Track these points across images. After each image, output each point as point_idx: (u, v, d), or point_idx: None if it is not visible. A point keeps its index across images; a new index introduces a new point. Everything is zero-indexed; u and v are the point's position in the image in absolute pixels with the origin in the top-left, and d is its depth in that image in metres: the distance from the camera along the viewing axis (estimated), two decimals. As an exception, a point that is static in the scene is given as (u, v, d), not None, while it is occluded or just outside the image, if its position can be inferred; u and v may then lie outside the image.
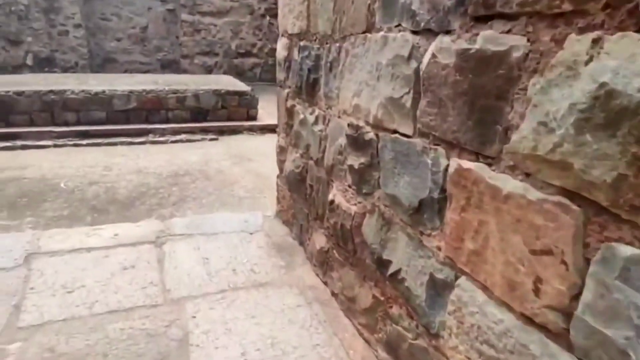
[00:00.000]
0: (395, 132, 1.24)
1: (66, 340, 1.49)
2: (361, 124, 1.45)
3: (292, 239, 2.23)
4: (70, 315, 1.61)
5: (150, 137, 4.59)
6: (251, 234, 2.27)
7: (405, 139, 1.19)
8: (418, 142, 1.13)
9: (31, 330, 1.53)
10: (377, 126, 1.34)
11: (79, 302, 1.68)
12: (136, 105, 4.71)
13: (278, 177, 2.49)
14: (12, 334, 1.51)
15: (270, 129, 5.11)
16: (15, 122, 4.42)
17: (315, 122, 1.83)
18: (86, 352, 1.44)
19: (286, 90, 2.20)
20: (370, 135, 1.39)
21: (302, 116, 1.99)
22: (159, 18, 10.07)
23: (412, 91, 1.14)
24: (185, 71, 9.64)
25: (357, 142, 1.48)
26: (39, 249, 2.02)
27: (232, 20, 9.72)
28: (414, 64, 1.12)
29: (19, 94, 4.38)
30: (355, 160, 1.49)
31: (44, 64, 8.73)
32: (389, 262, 1.35)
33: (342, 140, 1.59)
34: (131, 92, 4.68)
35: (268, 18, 9.96)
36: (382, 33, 1.28)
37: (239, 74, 9.89)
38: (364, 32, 1.40)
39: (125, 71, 10.05)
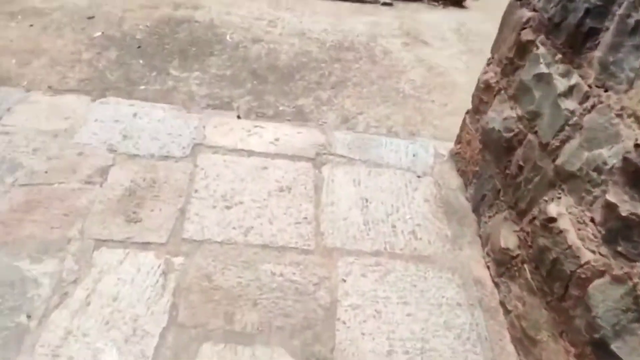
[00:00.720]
0: None
1: (222, 270, 1.48)
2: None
3: (465, 200, 1.86)
4: (227, 239, 1.58)
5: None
6: (419, 177, 1.93)
7: None
8: None
9: (193, 245, 1.55)
10: None
11: (236, 224, 1.63)
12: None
13: (468, 114, 1.98)
14: (177, 244, 1.54)
15: (455, 1, 4.18)
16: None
17: (568, 93, 1.25)
18: (238, 294, 1.42)
19: (526, 13, 1.52)
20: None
21: (542, 68, 1.38)
22: None
23: None
24: None
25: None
26: (204, 140, 1.96)
27: None
28: None
29: None
30: (626, 203, 0.99)
31: None
32: (616, 357, 0.98)
33: (610, 156, 1.05)
34: None
35: None
36: None
37: None
38: None
39: None
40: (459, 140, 2.04)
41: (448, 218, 1.78)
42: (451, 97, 2.69)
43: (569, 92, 1.24)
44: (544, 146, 1.34)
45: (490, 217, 1.65)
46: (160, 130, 1.98)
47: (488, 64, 1.81)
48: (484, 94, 1.80)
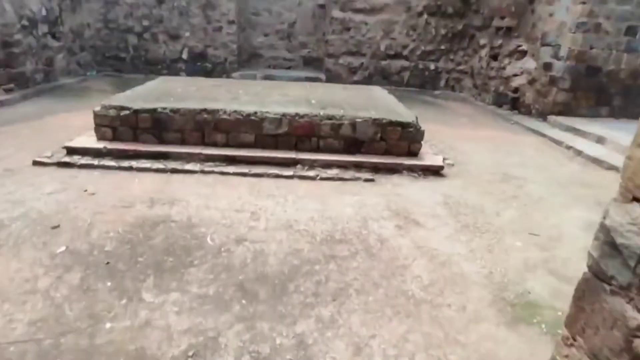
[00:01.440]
0: None
1: None
2: None
3: None
4: None
5: (299, 170, 4.02)
6: None
7: None
8: None
9: None
10: None
11: None
12: (287, 130, 4.17)
13: None
14: None
15: (433, 171, 4.21)
16: (168, 139, 4.19)
17: None
18: None
19: (632, 313, 1.13)
20: None
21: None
22: (308, 14, 9.66)
23: None
24: (328, 70, 9.11)
25: None
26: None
27: (386, 18, 8.83)
28: None
29: (175, 111, 4.12)
30: None
31: (197, 59, 8.89)
32: None
33: None
34: (284, 115, 4.14)
35: (425, 16, 8.87)
36: None
37: (385, 77, 9.08)
38: None
39: (268, 66, 9.90)
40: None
41: None
42: (467, 296, 2.37)
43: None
44: None
45: None
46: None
47: (568, 344, 1.37)
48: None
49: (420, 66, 9.20)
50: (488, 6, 8.43)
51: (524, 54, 7.49)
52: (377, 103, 4.77)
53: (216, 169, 3.92)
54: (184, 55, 8.88)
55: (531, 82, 7.22)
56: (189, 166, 3.95)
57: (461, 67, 9.23)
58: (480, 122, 6.79)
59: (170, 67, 8.95)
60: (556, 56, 6.65)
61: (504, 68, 7.83)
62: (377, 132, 4.21)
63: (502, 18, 7.95)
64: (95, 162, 3.93)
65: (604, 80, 6.60)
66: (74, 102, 6.58)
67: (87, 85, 8.08)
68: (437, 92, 9.23)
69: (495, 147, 5.34)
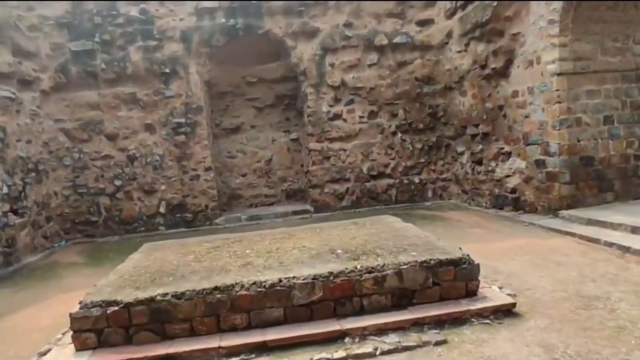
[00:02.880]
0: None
1: None
2: None
3: None
4: None
5: (348, 346, 3.05)
6: None
7: None
8: None
9: None
10: None
11: None
12: (322, 295, 3.29)
13: None
14: None
15: (505, 311, 3.37)
16: (172, 333, 3.16)
17: None
18: None
19: None
20: None
21: None
22: (284, 148, 9.45)
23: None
24: (315, 201, 8.57)
25: None
26: None
27: (363, 142, 8.71)
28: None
29: (179, 296, 3.17)
30: None
31: (176, 211, 8.14)
32: None
33: None
34: (315, 277, 3.29)
35: (400, 135, 8.84)
36: None
37: (373, 197, 8.64)
38: None
39: (250, 206, 9.29)
40: None
41: None
42: None
43: None
44: None
45: None
46: None
47: None
48: None
49: (405, 181, 8.92)
50: (457, 117, 8.56)
51: (508, 155, 7.36)
52: (408, 238, 4.07)
53: (244, 368, 2.88)
54: (162, 209, 8.11)
55: (527, 180, 6.94)
56: (206, 371, 2.89)
57: (444, 176, 9.04)
58: (496, 230, 6.22)
59: (147, 222, 8.08)
60: (547, 153, 6.49)
61: (492, 171, 7.62)
62: (428, 276, 3.42)
63: (476, 126, 8.00)
64: (76, 389, 2.80)
65: (600, 167, 6.42)
66: (40, 287, 5.43)
67: (55, 259, 6.96)
68: (428, 203, 8.84)
69: (538, 260, 4.66)
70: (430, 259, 3.45)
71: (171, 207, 8.13)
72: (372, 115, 8.74)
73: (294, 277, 3.28)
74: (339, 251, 3.80)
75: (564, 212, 6.23)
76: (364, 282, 3.33)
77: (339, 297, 3.32)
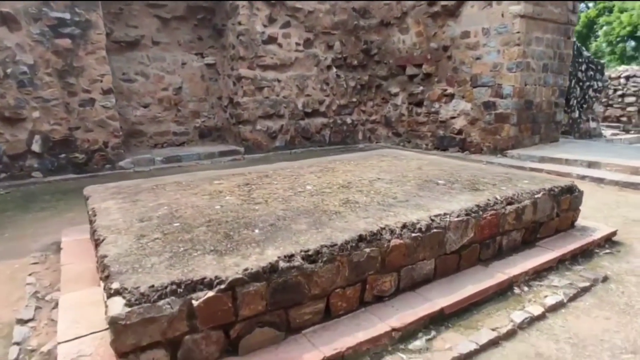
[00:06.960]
0: None
1: None
2: None
3: None
4: None
5: (522, 297, 2.35)
6: None
7: None
8: None
9: None
10: None
11: None
12: (472, 236, 2.45)
13: None
14: None
15: (610, 240, 3.16)
16: (301, 322, 1.88)
17: None
18: None
19: None
20: None
21: None
22: (196, 75, 7.54)
23: None
24: (245, 140, 7.16)
25: None
26: None
27: (298, 74, 7.55)
28: None
29: (313, 258, 1.89)
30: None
31: (59, 149, 5.68)
32: None
33: None
34: (468, 213, 2.42)
35: (334, 70, 7.97)
36: None
37: (307, 138, 7.73)
38: None
39: (155, 146, 7.25)
40: None
41: None
42: None
43: None
44: None
45: None
46: None
47: None
48: None
49: (339, 121, 8.22)
50: (393, 56, 8.16)
51: (451, 96, 7.37)
52: (466, 169, 3.50)
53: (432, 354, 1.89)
54: (36, 147, 5.49)
55: (472, 122, 7.09)
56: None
57: (373, 117, 8.67)
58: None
59: (10, 166, 5.38)
60: (498, 95, 6.67)
61: (437, 112, 7.56)
62: (554, 207, 2.91)
63: (418, 66, 7.75)
64: None
65: (535, 111, 6.95)
66: None
67: None
68: (360, 145, 8.38)
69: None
70: (554, 187, 2.94)
71: (51, 144, 5.57)
72: (308, 43, 7.61)
73: (445, 215, 2.33)
74: (440, 181, 2.96)
75: (512, 152, 6.57)
76: (508, 215, 2.62)
77: (487, 237, 2.54)
